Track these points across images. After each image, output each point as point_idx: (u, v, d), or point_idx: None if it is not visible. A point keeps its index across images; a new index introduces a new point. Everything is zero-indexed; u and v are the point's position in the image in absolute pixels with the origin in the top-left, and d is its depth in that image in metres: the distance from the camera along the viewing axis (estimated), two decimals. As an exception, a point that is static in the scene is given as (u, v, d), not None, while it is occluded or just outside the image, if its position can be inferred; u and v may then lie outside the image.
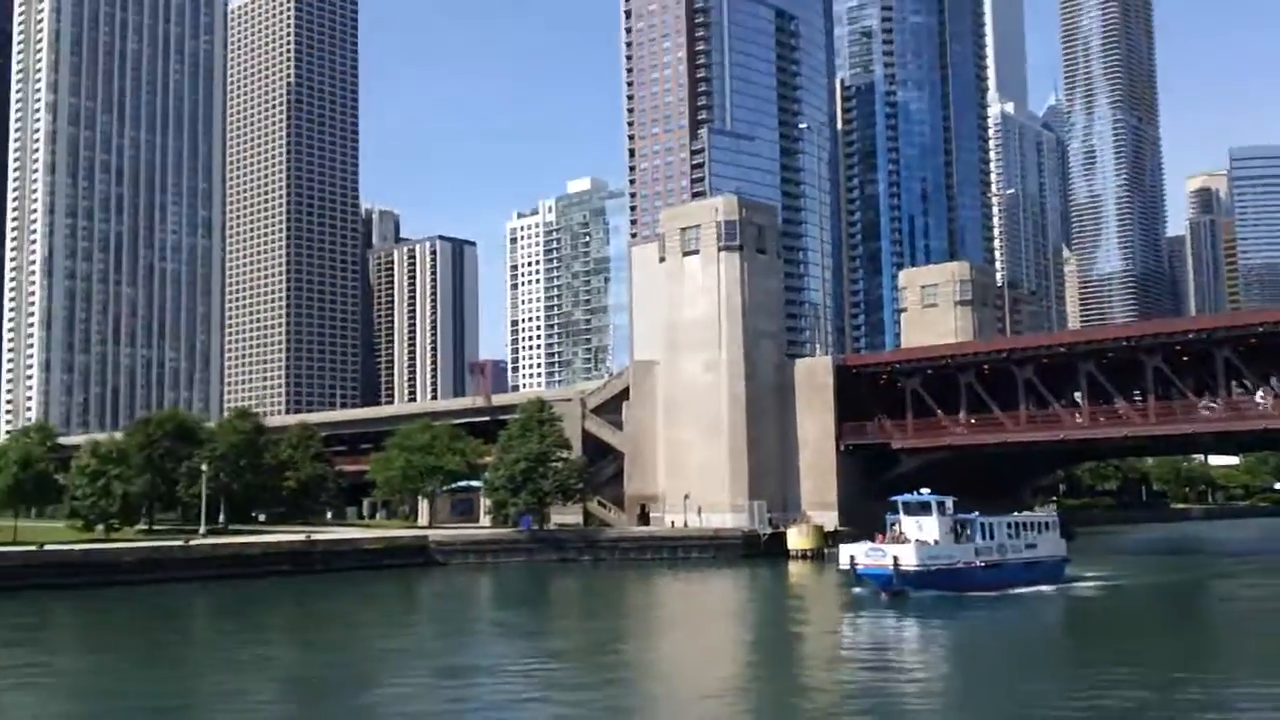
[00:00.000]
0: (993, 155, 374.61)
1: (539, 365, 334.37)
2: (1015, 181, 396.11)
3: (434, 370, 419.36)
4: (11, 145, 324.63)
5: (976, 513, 68.75)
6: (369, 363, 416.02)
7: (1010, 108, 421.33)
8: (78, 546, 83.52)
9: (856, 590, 63.80)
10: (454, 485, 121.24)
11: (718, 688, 34.87)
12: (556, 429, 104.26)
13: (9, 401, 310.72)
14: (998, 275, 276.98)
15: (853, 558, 64.05)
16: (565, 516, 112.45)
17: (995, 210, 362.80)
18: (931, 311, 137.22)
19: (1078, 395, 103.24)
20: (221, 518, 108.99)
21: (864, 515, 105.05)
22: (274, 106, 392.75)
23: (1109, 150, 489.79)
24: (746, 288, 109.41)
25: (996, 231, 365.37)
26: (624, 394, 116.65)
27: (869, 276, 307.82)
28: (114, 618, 65.25)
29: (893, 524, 66.59)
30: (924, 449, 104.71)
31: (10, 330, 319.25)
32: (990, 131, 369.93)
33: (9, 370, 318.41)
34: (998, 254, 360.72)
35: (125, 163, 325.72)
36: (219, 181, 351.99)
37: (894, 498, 69.18)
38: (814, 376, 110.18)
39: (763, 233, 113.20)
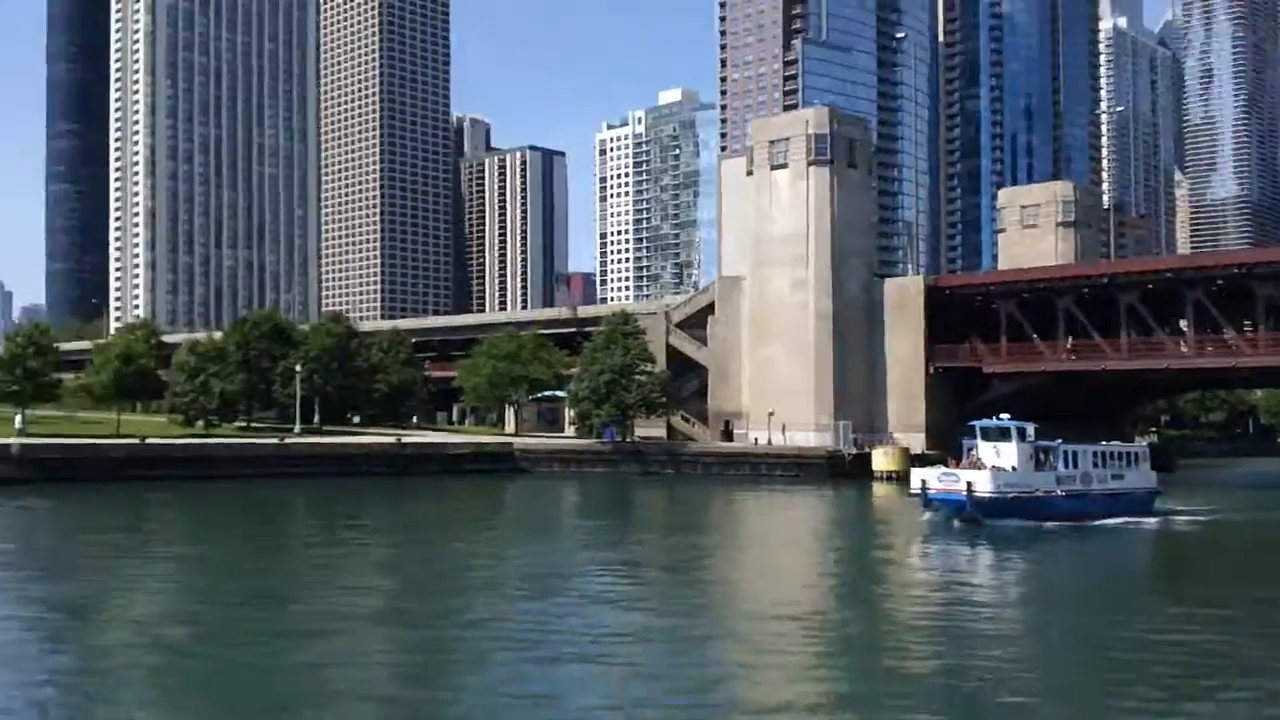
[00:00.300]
0: (1103, 72, 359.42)
1: (626, 279, 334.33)
2: (1126, 100, 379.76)
3: (524, 280, 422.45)
4: (113, 46, 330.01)
5: (1059, 440, 66.70)
6: (460, 271, 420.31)
7: (1123, 22, 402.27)
8: (178, 441, 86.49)
9: (928, 516, 61.39)
10: (540, 394, 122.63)
11: (771, 612, 34.13)
12: (640, 342, 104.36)
13: (117, 300, 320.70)
14: (1104, 197, 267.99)
15: (924, 482, 61.50)
16: (649, 430, 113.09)
17: (1104, 129, 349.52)
18: (1031, 233, 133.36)
19: (1183, 323, 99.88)
20: (316, 418, 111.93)
21: (952, 439, 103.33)
22: (367, 15, 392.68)
23: (1227, 70, 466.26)
24: (836, 204, 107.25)
25: (1105, 152, 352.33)
26: (709, 309, 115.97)
27: (967, 196, 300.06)
28: (215, 510, 67.60)
29: (969, 449, 63.92)
30: (1017, 374, 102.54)
31: (117, 231, 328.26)
32: (1101, 47, 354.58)
33: (116, 269, 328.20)
34: (1105, 175, 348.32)
35: (224, 65, 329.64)
36: (313, 87, 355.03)
37: (972, 422, 66.48)
38: (904, 296, 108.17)
39: (855, 147, 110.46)
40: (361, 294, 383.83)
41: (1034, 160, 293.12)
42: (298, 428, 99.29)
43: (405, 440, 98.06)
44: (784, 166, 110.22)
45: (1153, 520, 64.19)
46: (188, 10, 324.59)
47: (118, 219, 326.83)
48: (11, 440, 77.52)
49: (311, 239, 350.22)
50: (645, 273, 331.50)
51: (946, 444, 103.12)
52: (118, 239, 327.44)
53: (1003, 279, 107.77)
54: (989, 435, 62.96)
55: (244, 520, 63.30)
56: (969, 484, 58.50)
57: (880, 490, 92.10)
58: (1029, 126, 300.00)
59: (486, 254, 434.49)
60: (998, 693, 24.47)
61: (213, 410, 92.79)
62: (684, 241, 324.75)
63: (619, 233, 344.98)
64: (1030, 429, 63.61)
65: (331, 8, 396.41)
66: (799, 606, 35.52)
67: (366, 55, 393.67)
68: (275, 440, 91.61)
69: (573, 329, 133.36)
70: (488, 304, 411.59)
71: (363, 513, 67.40)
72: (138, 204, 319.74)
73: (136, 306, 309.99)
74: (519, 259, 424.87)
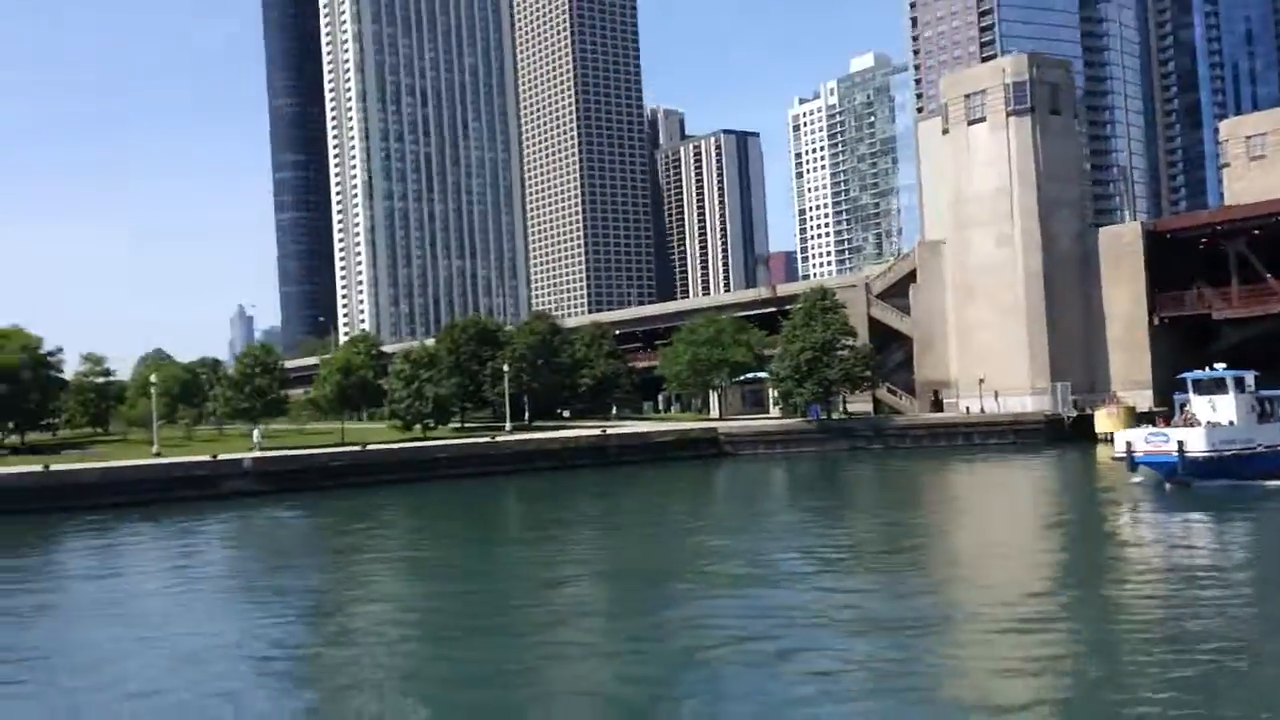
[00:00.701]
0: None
1: (828, 254, 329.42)
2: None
3: (725, 264, 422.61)
4: (326, 77, 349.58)
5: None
6: (662, 260, 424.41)
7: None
8: (396, 445, 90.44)
9: (1136, 480, 57.13)
10: (743, 377, 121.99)
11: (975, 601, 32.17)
12: (840, 316, 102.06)
13: (344, 316, 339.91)
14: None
15: (1129, 444, 56.84)
16: (854, 405, 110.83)
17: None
18: (1260, 165, 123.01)
19: None
20: (526, 415, 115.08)
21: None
22: (559, 21, 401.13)
23: None
24: (1040, 154, 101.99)
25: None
26: (910, 277, 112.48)
27: (1187, 132, 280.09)
28: (439, 508, 70.21)
29: (1183, 404, 59.07)
30: (1252, 319, 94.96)
31: (341, 251, 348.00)
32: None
33: (342, 288, 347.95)
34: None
35: (428, 84, 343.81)
36: (513, 97, 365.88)
37: (1183, 375, 61.31)
38: (1121, 244, 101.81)
39: (1057, 92, 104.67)
40: (568, 292, 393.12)
41: (1258, 88, 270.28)
42: (508, 425, 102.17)
43: (610, 432, 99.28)
44: (981, 120, 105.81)
45: None
46: (391, 36, 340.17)
47: (340, 240, 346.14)
48: (243, 455, 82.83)
49: (519, 243, 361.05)
50: (846, 246, 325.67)
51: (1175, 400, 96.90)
52: (342, 259, 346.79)
53: (1229, 216, 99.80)
54: (1202, 388, 58.34)
55: (471, 517, 65.40)
56: (1180, 443, 53.94)
57: (1104, 453, 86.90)
58: (1250, 52, 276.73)
59: (687, 242, 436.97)
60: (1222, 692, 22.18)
61: (428, 414, 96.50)
62: (885, 210, 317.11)
63: (817, 208, 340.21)
64: (1250, 377, 58.62)
65: (525, 19, 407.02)
66: (998, 594, 33.29)
67: (560, 61, 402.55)
68: (487, 439, 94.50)
69: (772, 309, 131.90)
70: (691, 291, 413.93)
71: (580, 504, 68.48)
72: (358, 224, 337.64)
73: (362, 321, 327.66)
74: (719, 244, 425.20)
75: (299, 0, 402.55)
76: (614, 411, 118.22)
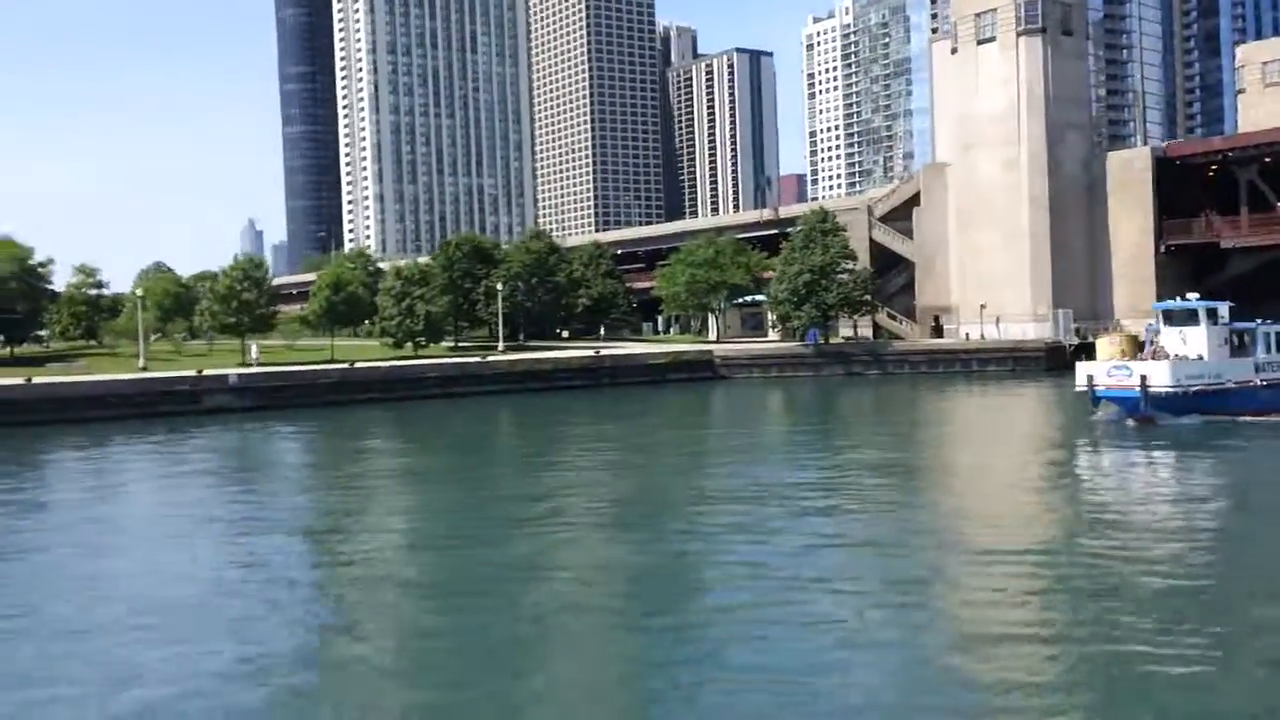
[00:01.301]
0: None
1: (838, 176, 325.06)
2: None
3: (735, 185, 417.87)
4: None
5: (1262, 320, 58.57)
6: (672, 180, 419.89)
7: None
8: (384, 364, 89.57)
9: (1098, 415, 53.82)
10: (743, 300, 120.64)
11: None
12: (840, 239, 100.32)
13: (350, 232, 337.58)
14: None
15: (1090, 377, 53.80)
16: (852, 330, 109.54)
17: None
18: (1275, 92, 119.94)
19: None
20: (522, 335, 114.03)
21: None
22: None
23: None
24: (1050, 75, 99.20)
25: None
26: (914, 200, 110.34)
27: (1206, 59, 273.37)
28: (421, 427, 69.39)
29: (1154, 336, 56.05)
30: (1259, 248, 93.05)
31: (347, 165, 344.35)
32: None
33: (348, 203, 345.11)
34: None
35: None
36: (523, 11, 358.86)
37: (1156, 305, 59.09)
38: (1130, 170, 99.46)
39: (1069, 12, 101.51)
40: (576, 211, 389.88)
41: (1279, 15, 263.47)
42: (501, 345, 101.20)
43: (603, 353, 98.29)
44: (991, 40, 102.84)
45: None
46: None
47: (347, 154, 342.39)
48: (229, 370, 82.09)
49: (526, 161, 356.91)
50: (858, 168, 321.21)
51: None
52: (348, 173, 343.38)
53: (1241, 142, 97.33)
54: (1173, 319, 55.37)
55: (446, 438, 64.59)
56: (1143, 377, 51.01)
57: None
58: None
59: (697, 162, 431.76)
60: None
61: (419, 332, 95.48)
62: (897, 133, 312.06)
63: (829, 129, 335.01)
64: (1224, 309, 55.46)
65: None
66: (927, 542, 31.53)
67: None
68: (478, 359, 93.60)
69: (775, 231, 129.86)
70: (700, 211, 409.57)
71: (571, 425, 67.48)
72: (364, 138, 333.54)
73: (368, 237, 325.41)
74: (729, 165, 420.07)
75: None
76: (602, 332, 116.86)
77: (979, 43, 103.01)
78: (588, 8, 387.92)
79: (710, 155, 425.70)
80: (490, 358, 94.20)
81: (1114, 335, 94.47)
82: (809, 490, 38.62)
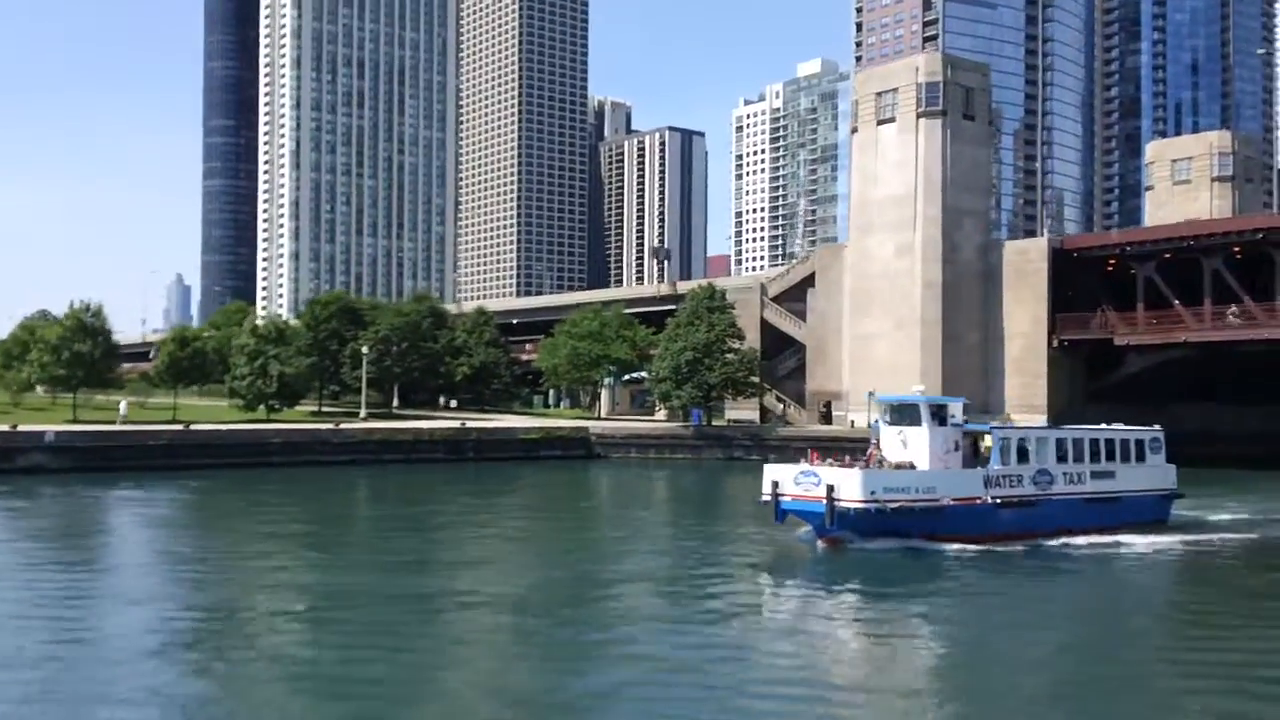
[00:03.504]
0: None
1: (762, 257, 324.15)
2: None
3: (668, 263, 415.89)
4: (262, 42, 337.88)
5: (1002, 421, 52.60)
6: (598, 253, 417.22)
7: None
8: (223, 427, 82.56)
9: (797, 532, 44.12)
10: (633, 375, 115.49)
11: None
12: (727, 317, 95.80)
13: (264, 290, 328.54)
14: (1276, 151, 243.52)
15: (776, 485, 43.39)
16: (741, 412, 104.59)
17: (1278, 84, 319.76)
18: (1183, 190, 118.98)
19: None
20: (397, 403, 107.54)
21: (1080, 421, 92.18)
22: (506, 2, 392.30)
23: None
24: (949, 159, 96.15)
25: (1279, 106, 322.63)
26: (809, 281, 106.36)
27: (1125, 159, 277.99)
28: (241, 498, 62.74)
29: (876, 437, 47.00)
30: (1155, 346, 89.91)
31: (264, 221, 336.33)
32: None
33: (263, 260, 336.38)
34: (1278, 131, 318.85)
35: (365, 56, 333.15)
36: (453, 74, 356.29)
37: (880, 398, 49.79)
38: (1026, 261, 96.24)
39: (971, 96, 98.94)
40: (499, 279, 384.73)
41: (1199, 119, 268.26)
42: (363, 412, 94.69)
43: (470, 425, 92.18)
44: (891, 121, 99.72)
45: (1148, 539, 45.55)
46: (332, 3, 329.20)
47: (264, 210, 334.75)
48: (47, 427, 74.71)
49: (449, 225, 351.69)
50: (781, 251, 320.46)
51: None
52: (264, 230, 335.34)
53: (1138, 237, 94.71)
54: (895, 416, 45.98)
55: (260, 511, 57.92)
56: (829, 488, 41.32)
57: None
58: (1194, 83, 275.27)
59: (625, 236, 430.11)
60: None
61: (272, 394, 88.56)
62: (821, 218, 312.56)
63: (754, 210, 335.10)
64: (956, 406, 46.72)
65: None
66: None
67: (506, 41, 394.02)
68: (330, 426, 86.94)
69: (673, 306, 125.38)
70: (626, 285, 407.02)
71: (393, 504, 61.42)
72: (283, 195, 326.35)
73: (281, 296, 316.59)
74: (655, 241, 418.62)
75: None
76: (486, 405, 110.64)
77: (879, 123, 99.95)
78: (520, 76, 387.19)
79: (638, 230, 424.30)
80: (344, 425, 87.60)
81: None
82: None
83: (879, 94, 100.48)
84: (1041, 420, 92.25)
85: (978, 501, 44.03)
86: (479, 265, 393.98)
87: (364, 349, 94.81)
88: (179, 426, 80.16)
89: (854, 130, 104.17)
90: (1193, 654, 27.60)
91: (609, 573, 38.95)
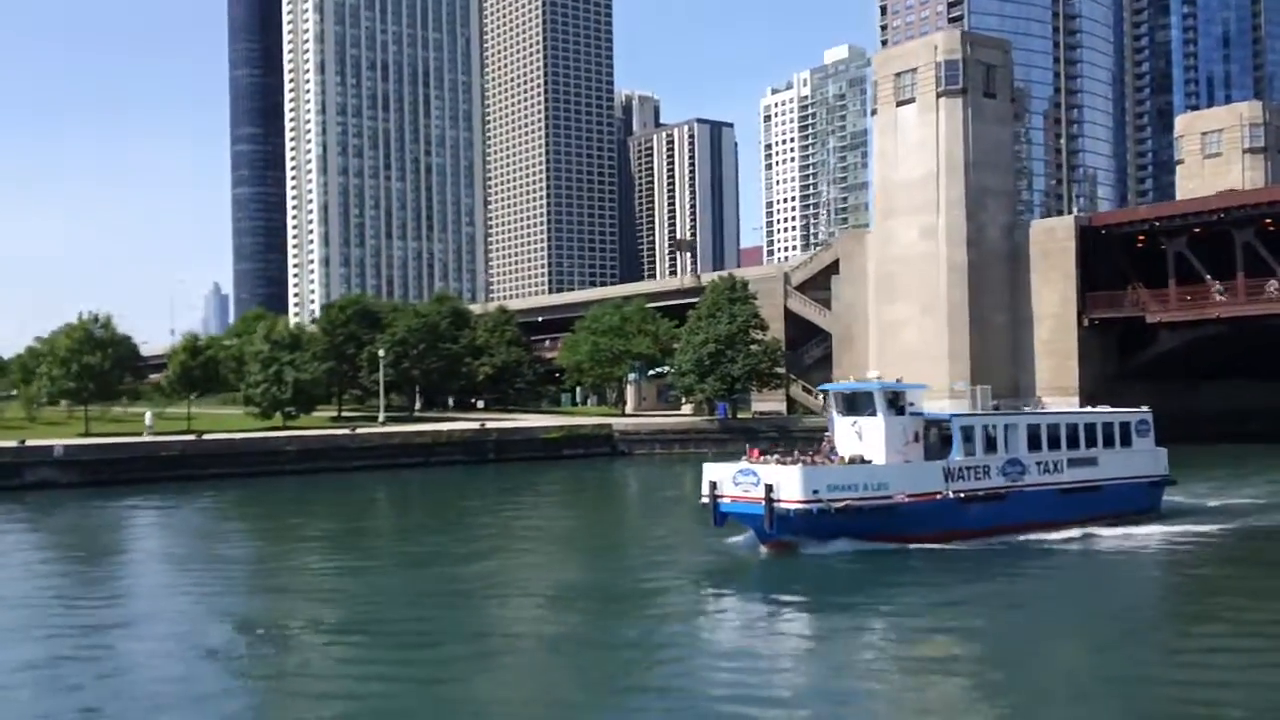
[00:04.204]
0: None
1: (794, 247, 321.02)
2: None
3: (694, 254, 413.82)
4: (285, 48, 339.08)
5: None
6: (630, 249, 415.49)
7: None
8: (238, 436, 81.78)
9: (732, 540, 40.16)
10: (657, 370, 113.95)
11: None
12: (749, 308, 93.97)
13: (295, 296, 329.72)
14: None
15: (714, 485, 39.35)
16: (768, 404, 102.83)
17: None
18: (1214, 163, 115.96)
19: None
20: (418, 405, 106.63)
21: (1113, 402, 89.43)
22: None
23: None
24: (970, 139, 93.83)
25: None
26: (833, 268, 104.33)
27: (1158, 135, 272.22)
28: (260, 507, 62.00)
29: (832, 429, 43.09)
30: (1188, 323, 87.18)
31: (293, 227, 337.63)
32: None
33: (294, 267, 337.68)
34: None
35: (390, 59, 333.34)
36: (477, 74, 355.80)
37: (823, 386, 45.96)
38: (1053, 240, 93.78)
39: (992, 73, 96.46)
40: (530, 278, 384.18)
41: (1231, 92, 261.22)
42: (381, 416, 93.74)
43: (489, 425, 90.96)
44: (911, 102, 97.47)
45: (1128, 531, 42.09)
46: (354, 7, 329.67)
47: (294, 216, 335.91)
48: (55, 441, 74.24)
49: (479, 225, 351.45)
50: (812, 241, 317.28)
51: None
52: (294, 236, 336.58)
53: (1167, 211, 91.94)
54: (847, 406, 42.02)
55: (273, 520, 57.01)
56: (768, 488, 37.08)
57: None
58: (1226, 56, 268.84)
59: (656, 231, 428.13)
60: None
61: (287, 401, 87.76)
62: (852, 205, 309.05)
63: (785, 200, 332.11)
64: (915, 393, 43.29)
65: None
66: None
67: (530, 39, 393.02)
68: (346, 431, 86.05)
69: (695, 299, 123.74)
70: (648, 281, 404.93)
71: (415, 505, 60.15)
72: (311, 201, 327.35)
73: (312, 301, 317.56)
74: (688, 234, 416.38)
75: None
76: (481, 404, 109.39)
77: (899, 104, 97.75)
78: (546, 74, 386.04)
79: (670, 224, 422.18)
80: (360, 430, 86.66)
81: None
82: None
83: (898, 74, 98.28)
84: (1074, 402, 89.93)
85: (938, 497, 40.14)
86: (510, 264, 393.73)
87: (380, 352, 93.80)
88: (191, 436, 79.44)
89: (873, 112, 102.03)
90: (1157, 670, 24.49)
91: (474, 585, 35.36)
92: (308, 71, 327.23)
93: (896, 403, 41.25)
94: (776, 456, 40.57)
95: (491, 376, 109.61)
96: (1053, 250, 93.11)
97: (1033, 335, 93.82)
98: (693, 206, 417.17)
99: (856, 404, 41.85)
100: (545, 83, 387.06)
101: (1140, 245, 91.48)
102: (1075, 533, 41.71)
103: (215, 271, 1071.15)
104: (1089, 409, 51.73)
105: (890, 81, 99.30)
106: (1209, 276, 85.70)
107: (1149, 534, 42.07)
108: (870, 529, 38.37)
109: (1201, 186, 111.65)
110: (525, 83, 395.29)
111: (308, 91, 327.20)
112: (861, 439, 40.80)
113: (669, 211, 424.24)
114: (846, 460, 40.27)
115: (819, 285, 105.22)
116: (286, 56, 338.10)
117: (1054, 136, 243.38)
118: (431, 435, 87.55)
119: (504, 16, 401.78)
